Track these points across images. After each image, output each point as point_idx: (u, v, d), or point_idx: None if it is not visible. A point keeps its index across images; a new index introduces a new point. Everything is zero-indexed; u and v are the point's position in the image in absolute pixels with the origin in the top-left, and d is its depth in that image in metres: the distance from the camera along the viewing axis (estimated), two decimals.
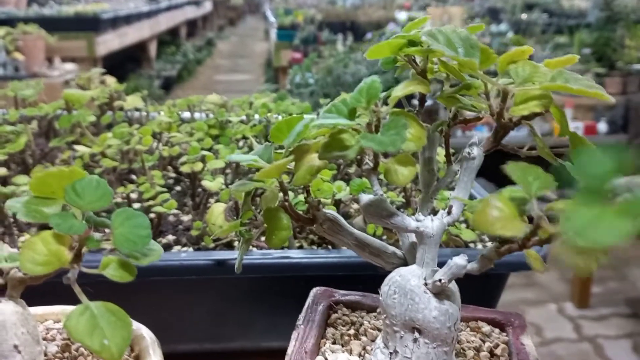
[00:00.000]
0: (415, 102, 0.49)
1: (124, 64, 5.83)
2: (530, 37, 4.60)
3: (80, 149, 0.75)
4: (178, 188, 0.86)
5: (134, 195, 0.75)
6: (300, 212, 0.37)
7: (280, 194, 0.37)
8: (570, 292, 2.90)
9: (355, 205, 0.76)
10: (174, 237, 0.68)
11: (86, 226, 0.28)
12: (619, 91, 3.97)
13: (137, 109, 0.97)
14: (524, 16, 4.87)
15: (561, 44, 4.46)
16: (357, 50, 3.96)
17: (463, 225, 0.67)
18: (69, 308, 0.40)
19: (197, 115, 1.01)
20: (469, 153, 0.36)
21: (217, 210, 0.55)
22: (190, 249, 0.66)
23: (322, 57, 4.09)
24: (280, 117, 0.98)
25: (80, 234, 0.27)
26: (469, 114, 0.40)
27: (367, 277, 0.59)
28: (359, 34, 4.51)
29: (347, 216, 0.72)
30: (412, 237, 0.38)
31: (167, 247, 0.67)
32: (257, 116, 0.99)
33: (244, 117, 0.97)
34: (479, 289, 0.50)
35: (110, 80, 1.07)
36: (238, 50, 10.71)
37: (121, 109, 0.95)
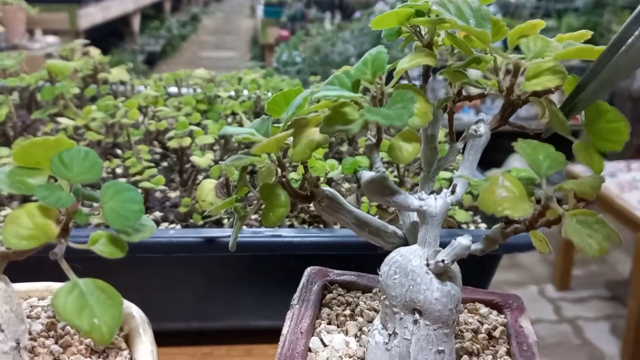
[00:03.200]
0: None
1: (106, 38, 5.72)
2: (519, 20, 4.59)
3: (64, 121, 0.72)
4: (165, 164, 0.83)
5: (119, 170, 0.73)
6: (298, 190, 0.36)
7: (278, 170, 0.35)
8: (552, 275, 2.94)
9: (346, 185, 0.75)
10: (161, 214, 0.66)
11: (74, 199, 0.26)
12: None
13: (122, 82, 0.94)
14: None
15: (549, 27, 4.46)
16: (345, 29, 3.92)
17: (456, 207, 0.66)
18: (54, 285, 0.38)
19: (184, 90, 0.99)
20: (475, 130, 0.35)
21: (207, 187, 0.53)
22: (179, 226, 0.64)
23: (310, 35, 4.05)
24: (270, 94, 0.96)
25: (68, 207, 0.26)
26: (473, 90, 0.39)
27: (359, 256, 0.58)
28: (347, 12, 4.46)
29: None
30: (414, 217, 0.37)
31: (155, 224, 0.65)
32: (245, 92, 0.97)
33: (232, 93, 0.95)
34: (472, 270, 0.49)
35: (94, 51, 1.04)
36: (223, 27, 10.57)
37: (105, 82, 0.93)
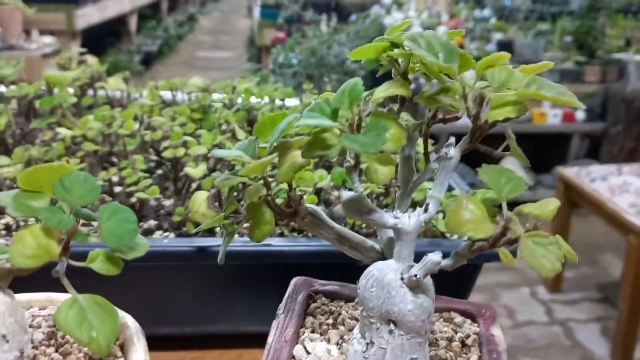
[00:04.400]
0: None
1: (103, 38, 5.74)
2: (514, 23, 4.62)
3: (62, 131, 0.75)
4: (159, 171, 0.86)
5: (115, 179, 0.76)
6: (282, 207, 0.39)
7: (264, 189, 0.38)
8: (543, 277, 2.97)
9: (335, 193, 0.78)
10: (155, 222, 0.69)
11: (74, 220, 0.29)
12: (598, 80, 4.03)
13: (119, 90, 0.96)
14: (507, 2, 4.88)
15: (543, 31, 4.49)
16: (341, 31, 3.96)
17: (440, 216, 0.69)
18: (54, 295, 0.41)
19: (179, 96, 1.01)
20: (446, 153, 0.38)
21: (200, 198, 0.56)
22: (172, 235, 0.67)
23: (306, 38, 4.08)
24: (263, 101, 0.98)
25: (69, 228, 0.28)
26: (447, 114, 0.41)
27: (345, 265, 0.61)
28: (344, 14, 4.50)
29: (328, 203, 0.73)
30: (390, 233, 0.39)
31: (149, 232, 0.67)
32: (239, 100, 0.99)
33: (226, 101, 0.97)
34: (455, 278, 0.52)
35: (92, 60, 1.06)
36: (220, 27, 10.58)
37: (102, 88, 0.95)
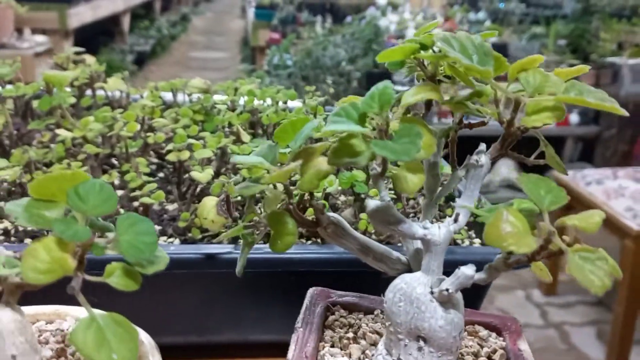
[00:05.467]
0: None
1: (96, 38, 5.69)
2: (508, 26, 4.63)
3: (62, 133, 0.72)
4: (161, 174, 0.84)
5: (116, 182, 0.74)
6: (305, 216, 0.37)
7: (285, 197, 0.36)
8: (538, 280, 2.96)
9: (342, 197, 0.76)
10: (159, 228, 0.67)
11: (90, 233, 0.27)
12: (592, 83, 4.04)
13: (119, 90, 0.94)
14: (501, 5, 4.89)
15: (537, 34, 4.50)
16: (337, 33, 3.94)
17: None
18: (61, 308, 0.38)
19: (179, 97, 0.99)
20: (476, 161, 0.36)
21: (209, 205, 0.54)
22: (177, 241, 0.64)
23: (301, 39, 4.06)
24: (266, 103, 0.96)
25: (85, 241, 0.26)
26: (474, 119, 0.40)
27: (357, 273, 0.59)
28: (339, 16, 4.48)
29: (335, 208, 0.72)
30: (417, 244, 0.38)
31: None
32: (241, 101, 0.97)
33: (229, 103, 0.95)
34: (466, 289, 0.50)
35: (90, 59, 1.04)
36: (214, 27, 10.55)
37: (100, 89, 0.93)
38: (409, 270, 0.38)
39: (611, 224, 2.35)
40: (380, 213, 0.35)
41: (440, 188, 0.39)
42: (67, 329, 0.37)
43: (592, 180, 2.66)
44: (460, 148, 0.39)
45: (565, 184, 2.62)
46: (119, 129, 0.72)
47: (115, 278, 0.27)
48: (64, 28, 4.45)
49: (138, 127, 0.81)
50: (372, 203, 0.35)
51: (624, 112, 0.31)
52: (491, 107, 0.36)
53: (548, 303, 2.86)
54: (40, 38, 4.26)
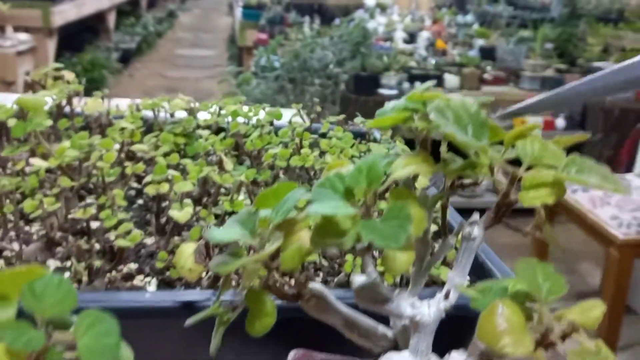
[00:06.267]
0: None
1: (80, 35, 5.61)
2: (496, 29, 4.63)
3: (36, 162, 0.69)
4: (140, 201, 0.81)
5: (93, 210, 0.71)
6: (285, 290, 0.34)
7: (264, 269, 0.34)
8: None
9: None
10: (136, 266, 0.64)
11: (45, 339, 0.24)
12: None
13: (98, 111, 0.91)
14: (490, 8, 4.89)
15: (525, 37, 4.51)
16: (325, 34, 3.91)
17: (441, 265, 0.65)
18: None
19: (162, 115, 0.96)
20: (469, 233, 0.34)
21: (186, 252, 0.51)
22: (154, 281, 0.62)
23: (289, 40, 4.03)
24: (251, 122, 0.94)
25: (39, 348, 0.24)
26: (467, 181, 0.37)
27: None
28: (327, 17, 4.45)
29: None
30: (406, 319, 0.35)
31: (129, 277, 0.62)
32: (226, 121, 0.95)
33: (212, 124, 0.93)
34: (452, 331, 0.48)
35: (69, 75, 1.00)
36: (201, 24, 10.47)
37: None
38: (395, 346, 0.36)
39: (596, 232, 2.36)
40: (366, 291, 0.32)
41: (429, 257, 0.37)
42: None
43: (578, 188, 2.66)
44: None
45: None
46: (95, 159, 0.69)
47: None
48: (47, 26, 4.38)
49: (115, 155, 0.79)
50: (357, 280, 0.32)
51: (628, 192, 0.29)
52: (487, 175, 0.34)
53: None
54: (23, 36, 4.19)
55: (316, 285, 0.35)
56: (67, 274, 0.61)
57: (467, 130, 0.31)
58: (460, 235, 0.34)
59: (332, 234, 0.30)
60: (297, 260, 0.31)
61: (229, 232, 0.32)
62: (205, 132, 0.82)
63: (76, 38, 5.41)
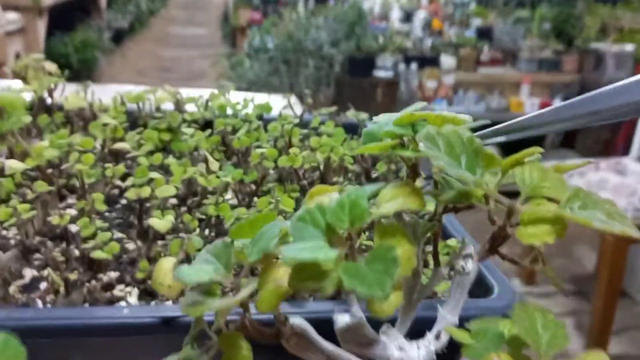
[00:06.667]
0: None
1: (71, 14, 5.51)
2: (493, 9, 4.57)
3: (12, 164, 0.66)
4: (124, 201, 0.78)
5: (73, 212, 0.68)
6: (262, 328, 0.32)
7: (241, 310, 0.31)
8: (518, 269, 2.96)
9: None
10: (116, 274, 0.61)
11: None
12: (576, 69, 4.02)
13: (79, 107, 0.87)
14: None
15: (522, 17, 4.45)
16: (319, 14, 3.85)
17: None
18: None
19: (147, 107, 0.92)
20: (463, 267, 0.31)
21: (165, 267, 0.48)
22: (135, 290, 0.59)
23: (283, 19, 3.96)
24: (239, 116, 0.91)
25: None
26: (460, 204, 0.35)
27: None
28: None
29: None
30: (394, 356, 0.33)
31: (109, 287, 0.60)
32: (214, 113, 0.92)
33: (199, 118, 0.90)
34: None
35: (51, 67, 0.97)
36: (194, 1, 10.33)
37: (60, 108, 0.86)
38: None
39: None
40: (350, 333, 0.30)
41: (418, 288, 0.34)
42: None
43: (574, 172, 2.64)
44: None
45: None
46: (74, 160, 0.66)
47: None
48: (37, 5, 4.29)
49: (97, 143, 0.76)
50: (341, 320, 0.30)
51: (637, 234, 0.26)
52: (482, 205, 0.31)
53: (527, 293, 2.87)
54: (12, 16, 4.11)
55: (297, 320, 0.33)
56: (43, 285, 0.58)
57: (460, 160, 0.28)
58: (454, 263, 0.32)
59: (311, 276, 0.27)
60: (275, 302, 0.29)
61: (200, 271, 0.30)
62: (190, 130, 0.79)
63: (67, 17, 5.31)
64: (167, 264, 0.48)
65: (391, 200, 0.29)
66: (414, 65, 3.58)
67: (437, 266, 0.34)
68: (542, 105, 3.84)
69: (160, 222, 0.57)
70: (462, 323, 0.56)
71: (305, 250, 0.26)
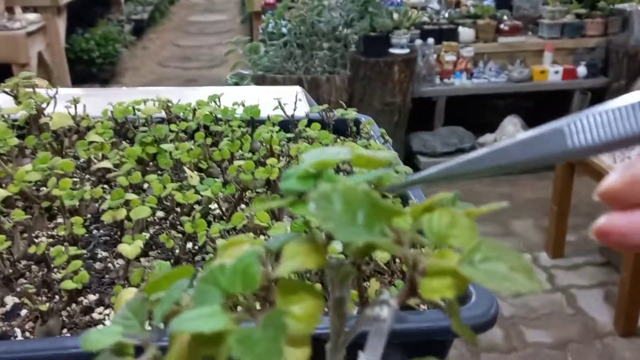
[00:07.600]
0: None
1: (91, 10, 5.56)
2: None
3: None
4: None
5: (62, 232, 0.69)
6: None
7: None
8: (546, 242, 2.90)
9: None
10: (95, 297, 0.62)
11: None
12: (600, 33, 3.87)
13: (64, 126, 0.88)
14: None
15: None
16: None
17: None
18: None
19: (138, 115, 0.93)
20: (378, 315, 0.31)
21: (125, 299, 0.49)
22: (113, 314, 0.60)
23: (296, 2, 3.92)
24: (226, 122, 0.91)
25: None
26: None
27: None
28: None
29: None
30: None
31: (88, 310, 0.61)
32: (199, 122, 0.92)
33: (188, 129, 0.90)
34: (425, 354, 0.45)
35: (42, 82, 0.98)
36: None
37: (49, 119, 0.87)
38: None
39: (602, 177, 2.30)
40: None
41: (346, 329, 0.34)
42: None
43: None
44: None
45: None
46: (52, 185, 0.67)
47: None
48: (55, 4, 4.34)
49: (77, 176, 0.77)
50: None
51: (541, 287, 0.25)
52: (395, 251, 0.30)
53: (555, 266, 2.82)
54: (32, 16, 4.17)
55: None
56: (24, 312, 0.60)
57: (356, 216, 0.27)
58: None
59: (208, 342, 0.27)
60: None
61: (109, 333, 0.30)
62: (170, 146, 0.79)
63: (87, 13, 5.36)
64: (127, 295, 0.49)
65: (290, 259, 0.29)
66: (430, 40, 3.51)
67: (363, 305, 0.34)
68: (566, 73, 3.74)
69: (128, 248, 0.57)
70: (433, 337, 0.56)
71: (196, 319, 0.26)
